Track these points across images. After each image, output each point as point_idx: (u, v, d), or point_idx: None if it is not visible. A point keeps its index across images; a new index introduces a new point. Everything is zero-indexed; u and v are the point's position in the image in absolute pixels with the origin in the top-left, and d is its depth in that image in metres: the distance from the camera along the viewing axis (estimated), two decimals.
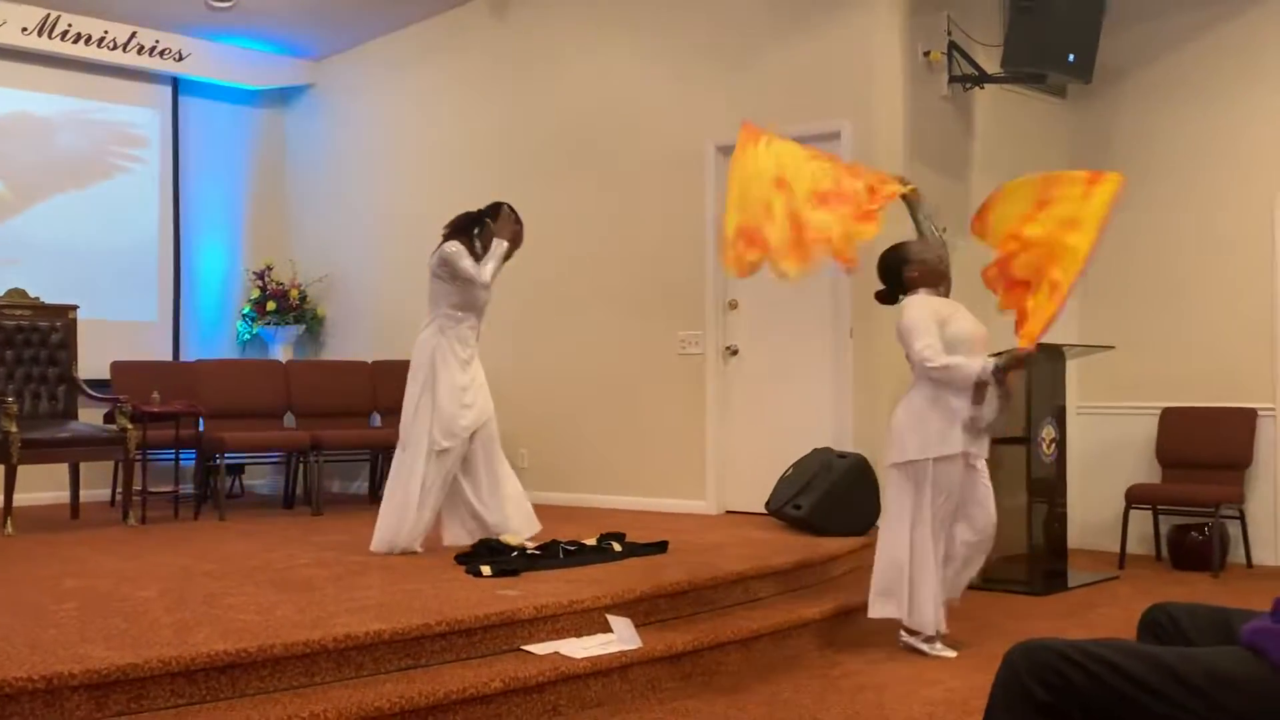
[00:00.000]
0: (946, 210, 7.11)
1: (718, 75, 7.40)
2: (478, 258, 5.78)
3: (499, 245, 5.78)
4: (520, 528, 5.78)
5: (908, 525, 4.81)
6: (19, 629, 3.87)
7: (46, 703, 3.29)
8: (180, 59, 8.72)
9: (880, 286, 5.12)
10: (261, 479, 9.07)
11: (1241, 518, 7.33)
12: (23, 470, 6.40)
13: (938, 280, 4.99)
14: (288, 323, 9.06)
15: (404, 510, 5.64)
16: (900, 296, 5.01)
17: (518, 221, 5.88)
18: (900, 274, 5.02)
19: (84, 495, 7.38)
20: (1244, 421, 7.43)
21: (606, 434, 7.82)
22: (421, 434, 5.67)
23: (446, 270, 5.74)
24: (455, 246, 5.75)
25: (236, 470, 8.52)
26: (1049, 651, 2.16)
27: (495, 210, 5.87)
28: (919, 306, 4.85)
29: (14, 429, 6.30)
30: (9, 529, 6.29)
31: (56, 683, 3.30)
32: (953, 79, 7.07)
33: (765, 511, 6.72)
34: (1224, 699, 2.03)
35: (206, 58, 8.89)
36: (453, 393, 5.69)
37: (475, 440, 5.77)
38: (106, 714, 3.37)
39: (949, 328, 4.81)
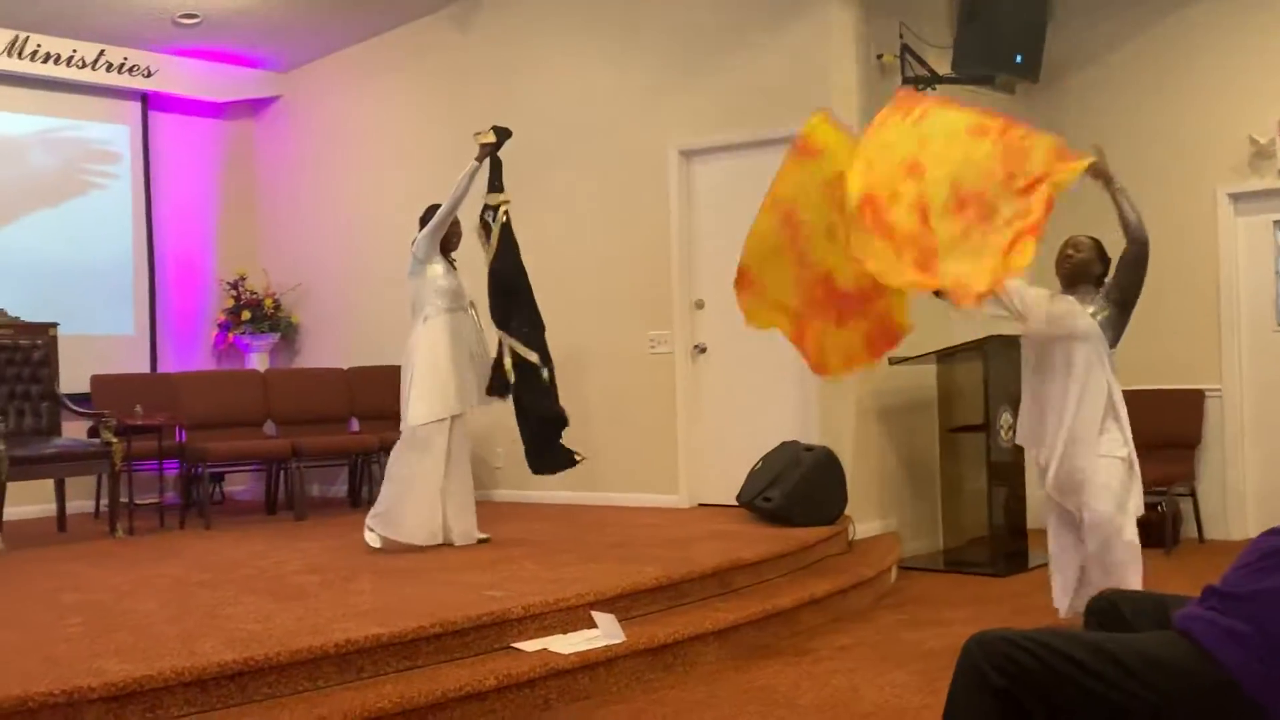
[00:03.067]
0: None
1: (679, 82, 7.61)
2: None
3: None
4: (457, 538, 6.11)
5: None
6: (32, 645, 4.05)
7: (67, 716, 3.48)
8: (149, 75, 8.83)
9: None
10: (242, 485, 9.22)
11: (1193, 495, 7.65)
12: (9, 485, 6.52)
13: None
14: (263, 331, 9.20)
15: (399, 504, 5.98)
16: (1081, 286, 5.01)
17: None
18: (1103, 271, 5.04)
19: (69, 508, 7.50)
20: (1193, 402, 7.75)
21: (581, 432, 8.00)
22: (407, 424, 6.02)
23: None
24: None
25: (217, 478, 8.66)
26: (1002, 640, 2.40)
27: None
28: None
29: (2, 447, 6.43)
30: (0, 545, 6.43)
31: (76, 696, 3.49)
32: (905, 80, 7.30)
33: (736, 504, 6.95)
34: (1156, 679, 2.28)
35: (174, 73, 9.00)
36: (433, 374, 5.98)
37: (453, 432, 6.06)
38: None
39: None
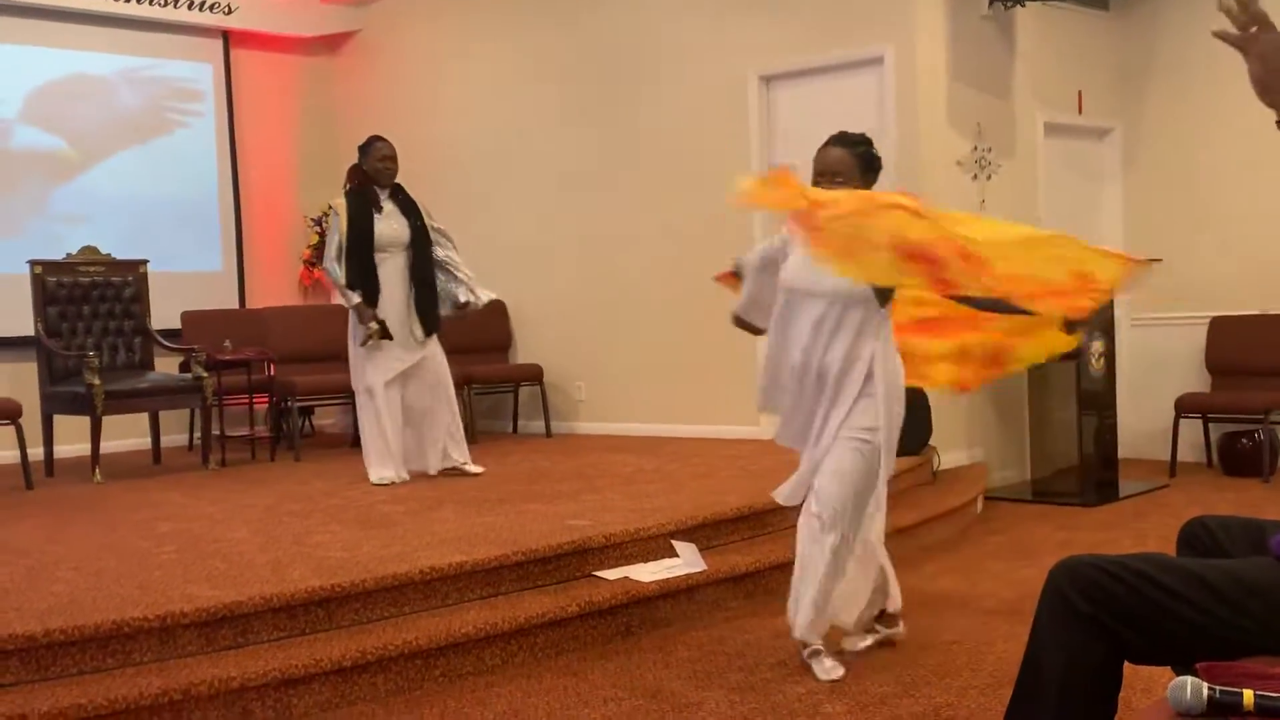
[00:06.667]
0: (990, 130, 7.19)
1: (759, 5, 7.45)
2: (376, 204, 6.10)
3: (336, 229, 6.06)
4: (430, 468, 6.25)
5: None
6: (127, 572, 4.16)
7: (161, 639, 3.58)
8: (229, 12, 8.88)
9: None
10: (330, 419, 9.36)
11: None
12: (105, 419, 6.69)
13: None
14: None
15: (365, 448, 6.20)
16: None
17: (381, 158, 6.13)
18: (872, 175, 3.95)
19: (163, 441, 7.68)
20: None
21: (660, 364, 8.01)
22: (356, 380, 6.17)
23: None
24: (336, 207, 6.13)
25: (306, 411, 8.79)
26: (1089, 566, 2.33)
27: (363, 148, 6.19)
28: None
29: (97, 382, 6.58)
30: (98, 477, 6.61)
31: (169, 621, 3.58)
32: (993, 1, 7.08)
33: None
34: (1251, 606, 2.19)
35: (255, 9, 9.04)
36: (353, 343, 6.09)
37: (407, 379, 6.14)
38: (216, 648, 3.65)
39: None
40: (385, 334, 5.97)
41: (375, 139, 6.20)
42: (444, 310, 6.24)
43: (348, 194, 6.10)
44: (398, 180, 6.23)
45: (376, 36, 9.56)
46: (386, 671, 3.69)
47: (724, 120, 7.59)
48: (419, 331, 6.09)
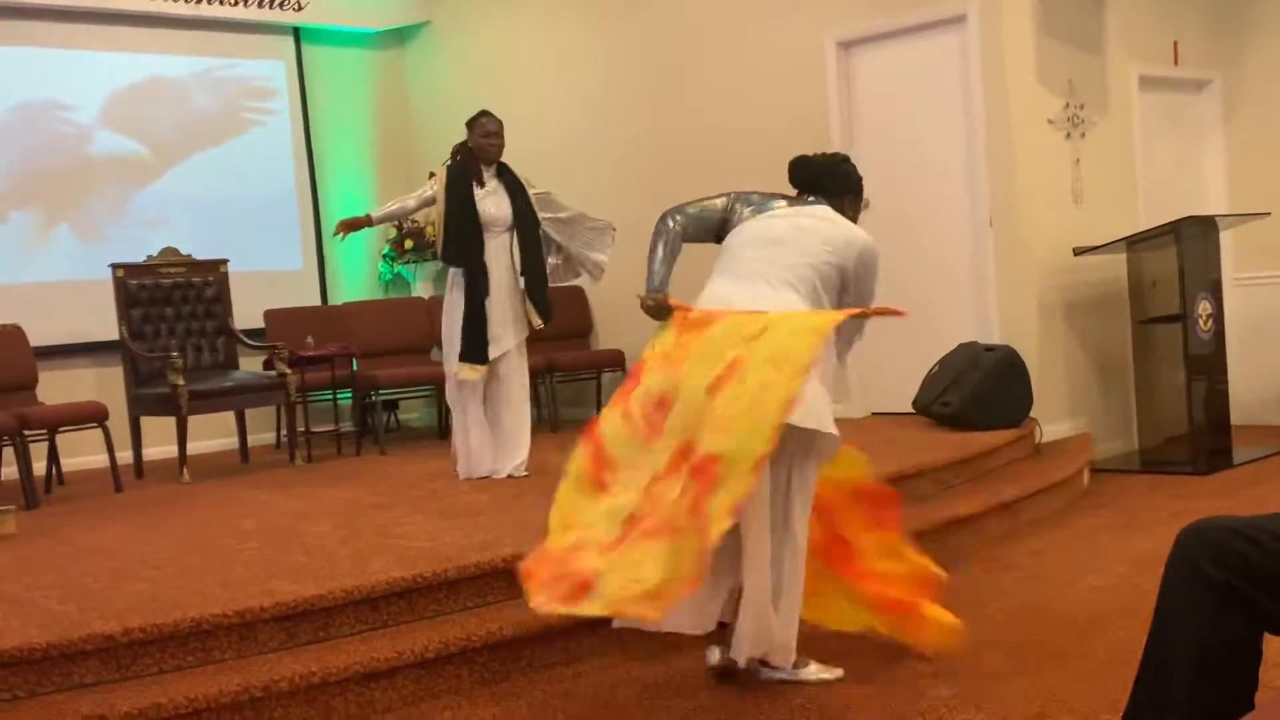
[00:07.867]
0: (1082, 86, 6.89)
1: None
2: (479, 179, 5.91)
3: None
4: (492, 473, 5.88)
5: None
6: (209, 569, 4.10)
7: (241, 635, 3.51)
8: (300, 8, 8.86)
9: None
10: (414, 412, 9.33)
11: None
12: (191, 419, 6.69)
13: None
14: (426, 259, 9.22)
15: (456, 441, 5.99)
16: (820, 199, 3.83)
17: (485, 134, 5.96)
18: (849, 192, 3.93)
19: (250, 439, 7.68)
20: None
21: None
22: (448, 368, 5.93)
23: None
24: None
25: (391, 405, 8.76)
26: (1220, 530, 2.13)
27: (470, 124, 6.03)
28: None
29: (181, 382, 6.58)
30: (185, 477, 6.61)
31: (249, 617, 3.51)
32: None
33: (913, 410, 6.66)
34: None
35: (324, 5, 9.01)
36: (447, 331, 5.87)
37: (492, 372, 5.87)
38: (297, 643, 3.58)
39: None
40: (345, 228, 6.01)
41: (481, 114, 6.05)
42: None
43: (449, 166, 5.97)
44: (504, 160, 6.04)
45: (446, 26, 9.48)
46: (471, 663, 3.58)
47: (801, 91, 7.37)
48: (535, 319, 5.89)
